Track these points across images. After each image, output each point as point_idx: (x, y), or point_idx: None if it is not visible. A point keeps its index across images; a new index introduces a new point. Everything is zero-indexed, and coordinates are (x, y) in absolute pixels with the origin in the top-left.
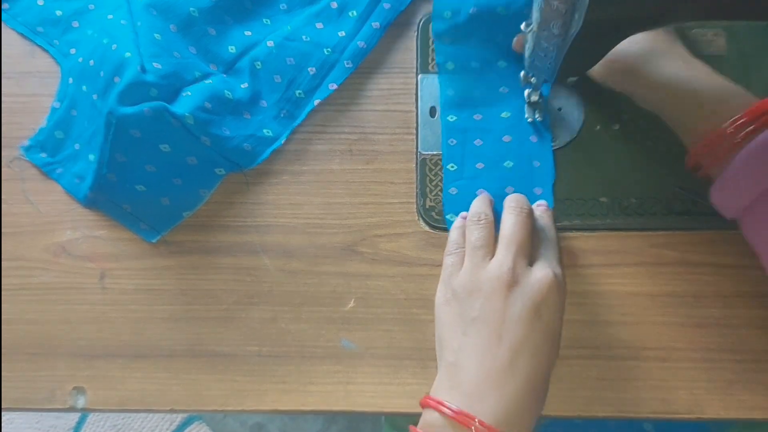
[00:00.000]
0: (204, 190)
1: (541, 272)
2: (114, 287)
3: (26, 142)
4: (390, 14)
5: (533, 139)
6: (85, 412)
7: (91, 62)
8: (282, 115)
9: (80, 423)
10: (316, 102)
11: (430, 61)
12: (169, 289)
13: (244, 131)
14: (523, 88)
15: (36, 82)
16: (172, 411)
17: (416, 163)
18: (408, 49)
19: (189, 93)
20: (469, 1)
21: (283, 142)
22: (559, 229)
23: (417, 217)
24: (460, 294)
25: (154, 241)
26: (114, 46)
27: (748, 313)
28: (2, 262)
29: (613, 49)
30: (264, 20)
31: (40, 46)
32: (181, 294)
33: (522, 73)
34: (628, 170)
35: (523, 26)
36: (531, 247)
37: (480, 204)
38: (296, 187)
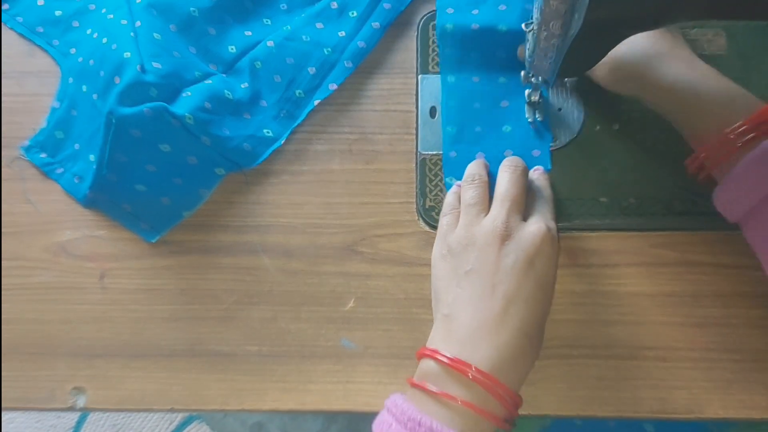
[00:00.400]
0: (204, 189)
1: (535, 226)
2: (114, 287)
3: (26, 142)
4: (390, 14)
5: None
6: (84, 411)
7: (91, 62)
8: (282, 115)
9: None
10: (316, 102)
11: (430, 61)
12: (169, 289)
13: (244, 131)
14: (523, 88)
15: (36, 82)
16: (172, 410)
17: (416, 163)
18: (408, 49)
19: (189, 93)
20: None
21: (283, 142)
22: (559, 229)
23: (417, 217)
24: (455, 248)
25: (154, 240)
26: (114, 46)
27: (748, 313)
28: (2, 262)
29: (616, 55)
30: (264, 20)
31: (39, 46)
32: (181, 294)
33: (522, 73)
34: (628, 170)
35: (523, 26)
36: (525, 203)
37: (474, 166)
38: (296, 187)
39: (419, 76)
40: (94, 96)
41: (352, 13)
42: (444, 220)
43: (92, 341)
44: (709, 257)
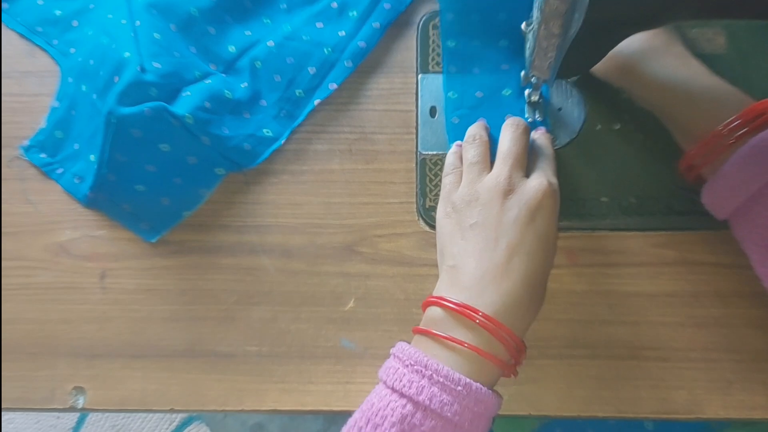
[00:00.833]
0: (204, 189)
1: (536, 181)
2: (114, 287)
3: (26, 143)
4: (390, 14)
5: None
6: (84, 412)
7: (91, 62)
8: (282, 115)
9: (80, 423)
10: (316, 102)
11: (430, 60)
12: (169, 289)
13: (243, 131)
14: (524, 88)
15: (36, 82)
16: (172, 411)
17: (416, 163)
18: (408, 49)
19: (189, 93)
20: None
21: (282, 141)
22: (560, 229)
23: (417, 217)
24: (459, 205)
25: (154, 240)
26: (114, 46)
27: (748, 313)
28: (2, 262)
29: None
30: (264, 20)
31: (39, 46)
32: (181, 294)
33: (522, 73)
34: (628, 170)
35: (523, 26)
36: (527, 161)
37: (475, 128)
38: (296, 187)
39: (419, 76)
40: (94, 96)
41: (353, 13)
42: (447, 180)
43: (92, 341)
44: (709, 257)
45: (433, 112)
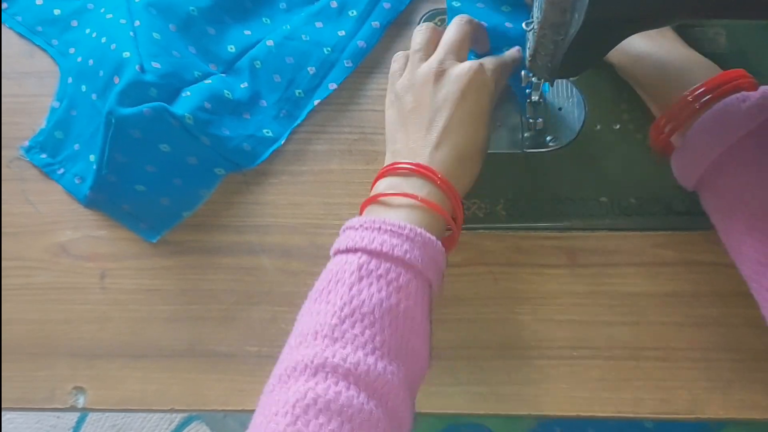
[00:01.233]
0: (204, 190)
1: (468, 63)
2: (114, 287)
3: (26, 143)
4: (390, 14)
5: None
6: (85, 411)
7: (91, 62)
8: (282, 115)
9: (80, 423)
10: (316, 102)
11: None
12: (169, 289)
13: (243, 131)
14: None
15: (36, 82)
16: (172, 411)
17: None
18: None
19: (188, 93)
20: None
21: (282, 142)
22: (560, 229)
23: None
24: (400, 92)
25: (154, 241)
26: (113, 46)
27: (747, 313)
28: (2, 262)
29: None
30: (264, 19)
31: (39, 46)
32: (181, 294)
33: (522, 73)
34: (628, 170)
35: (523, 25)
36: (468, 50)
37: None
38: (296, 187)
39: None
40: (94, 96)
41: (352, 13)
42: (392, 68)
43: (92, 341)
44: (708, 257)
45: None
